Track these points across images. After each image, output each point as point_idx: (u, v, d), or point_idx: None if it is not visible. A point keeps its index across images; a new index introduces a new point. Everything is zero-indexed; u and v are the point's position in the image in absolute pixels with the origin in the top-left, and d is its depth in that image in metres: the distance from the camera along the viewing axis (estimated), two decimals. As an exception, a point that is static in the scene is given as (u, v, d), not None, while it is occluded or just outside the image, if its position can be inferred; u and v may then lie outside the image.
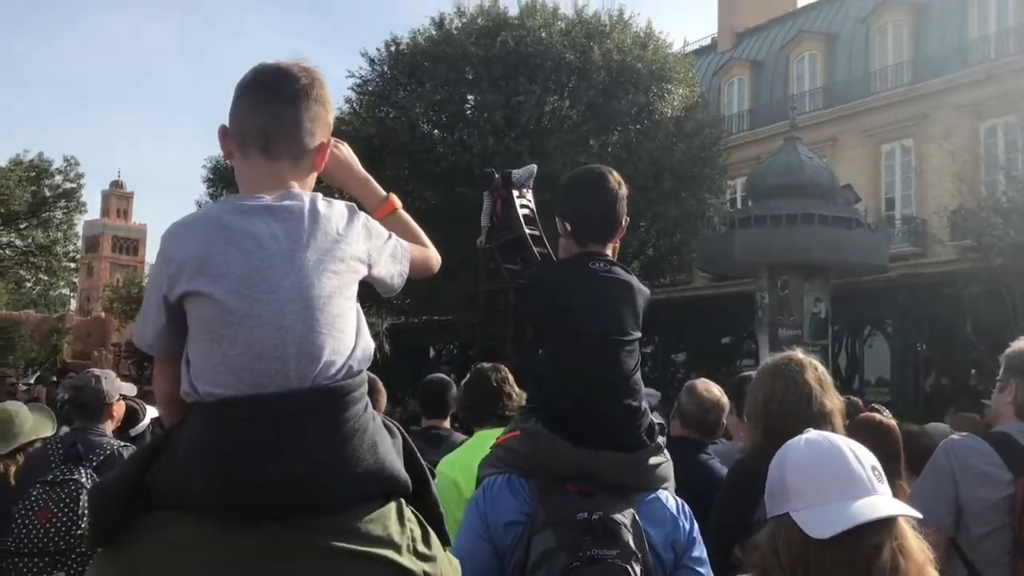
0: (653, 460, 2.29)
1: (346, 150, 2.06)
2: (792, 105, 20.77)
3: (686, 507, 2.34)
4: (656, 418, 2.40)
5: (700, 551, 2.30)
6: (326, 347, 1.65)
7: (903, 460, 3.46)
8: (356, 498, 1.62)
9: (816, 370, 2.82)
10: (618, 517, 2.14)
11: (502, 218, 13.34)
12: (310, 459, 1.57)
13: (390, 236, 1.91)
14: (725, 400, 3.97)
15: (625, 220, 2.48)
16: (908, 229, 23.46)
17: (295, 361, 1.62)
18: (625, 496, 2.23)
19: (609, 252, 2.46)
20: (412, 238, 2.04)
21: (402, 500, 1.71)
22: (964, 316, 18.62)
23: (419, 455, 1.79)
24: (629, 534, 2.13)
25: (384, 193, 2.10)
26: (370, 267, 1.81)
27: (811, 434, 1.69)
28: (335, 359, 1.66)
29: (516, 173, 13.59)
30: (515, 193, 13.32)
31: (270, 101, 1.80)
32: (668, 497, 2.32)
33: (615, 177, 2.47)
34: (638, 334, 2.39)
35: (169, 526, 1.59)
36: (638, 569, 2.10)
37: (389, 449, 1.70)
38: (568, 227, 2.47)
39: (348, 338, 1.71)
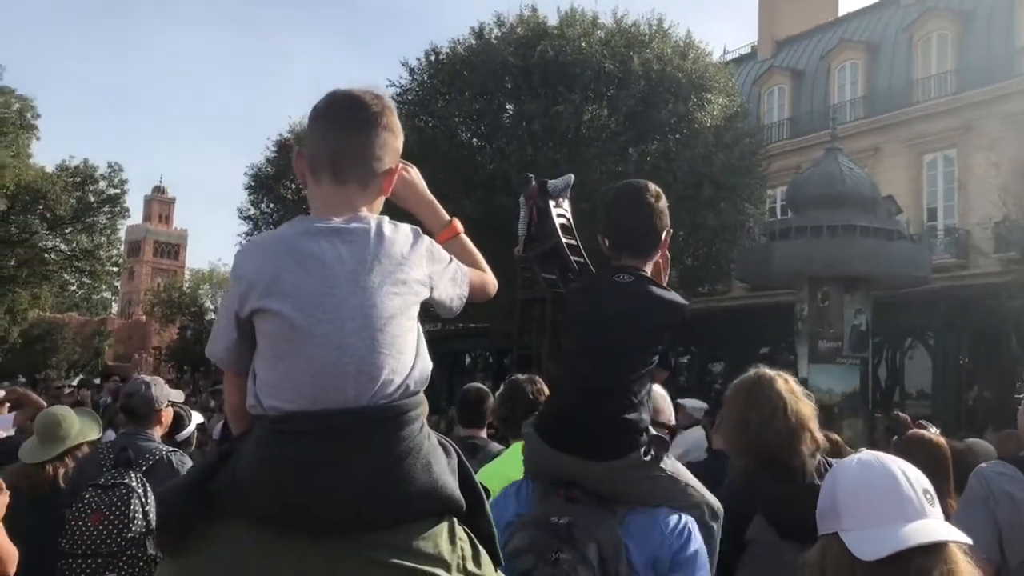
0: (638, 473, 2.25)
1: (414, 173, 2.12)
2: (833, 115, 20.52)
3: (688, 528, 2.25)
4: (655, 431, 2.35)
5: (686, 574, 2.20)
6: (385, 367, 1.70)
7: (952, 478, 3.43)
8: (409, 516, 1.66)
9: (787, 382, 2.85)
10: (591, 526, 2.14)
11: (539, 227, 13.37)
12: (365, 475, 1.62)
13: (451, 260, 1.96)
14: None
15: (666, 233, 2.46)
16: (950, 240, 23.13)
17: (353, 379, 1.67)
18: (612, 507, 2.23)
19: (648, 268, 2.44)
20: (472, 262, 2.10)
21: (454, 519, 1.74)
22: (1008, 329, 18.32)
23: (473, 474, 1.82)
24: (592, 544, 2.12)
25: (448, 217, 2.16)
26: (431, 289, 1.86)
27: (864, 454, 1.69)
28: (393, 378, 1.70)
29: (553, 183, 13.61)
30: (552, 203, 13.34)
31: (340, 128, 1.87)
32: (667, 515, 2.25)
33: (652, 190, 2.46)
34: (654, 348, 2.35)
35: (232, 534, 1.64)
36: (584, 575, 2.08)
37: (443, 469, 1.73)
38: (606, 241, 2.49)
39: (407, 358, 1.75)
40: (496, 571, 1.80)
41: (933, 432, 3.96)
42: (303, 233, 1.78)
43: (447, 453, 1.78)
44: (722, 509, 2.41)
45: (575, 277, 12.01)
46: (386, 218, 1.85)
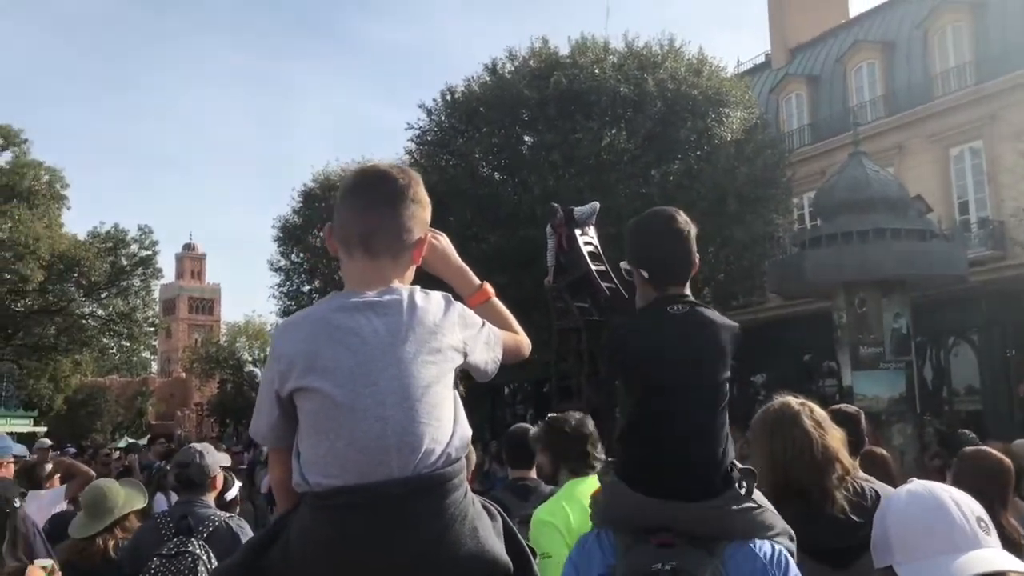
0: (736, 507, 2.24)
1: (444, 241, 2.16)
2: (855, 120, 20.42)
3: (784, 556, 2.25)
4: (741, 464, 2.37)
5: None
6: (425, 436, 1.73)
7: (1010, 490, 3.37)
8: None
9: (812, 412, 2.84)
10: (694, 568, 2.13)
11: (568, 256, 13.42)
12: (413, 545, 1.65)
13: (484, 324, 1.99)
14: None
15: (697, 258, 2.48)
16: (985, 233, 22.83)
17: (396, 451, 1.70)
18: (709, 546, 2.20)
19: (688, 291, 2.46)
20: (504, 325, 2.12)
21: None
22: (1052, 319, 18.04)
23: (519, 536, 1.85)
24: None
25: (478, 282, 2.18)
26: (466, 355, 1.89)
27: (914, 485, 1.67)
28: (434, 447, 1.73)
29: (579, 210, 13.68)
30: (578, 231, 13.40)
31: (370, 203, 1.92)
32: (766, 548, 2.24)
33: (683, 217, 2.48)
34: (726, 374, 2.37)
35: None
36: None
37: (489, 533, 1.76)
38: (644, 274, 2.47)
39: (446, 426, 1.78)
40: None
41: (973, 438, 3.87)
42: (338, 309, 1.82)
43: (491, 516, 1.81)
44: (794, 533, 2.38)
45: (620, 311, 11.97)
46: (417, 288, 1.89)
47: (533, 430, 4.34)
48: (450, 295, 1.96)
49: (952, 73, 24.69)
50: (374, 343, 1.76)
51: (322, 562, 1.65)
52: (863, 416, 3.81)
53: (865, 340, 15.54)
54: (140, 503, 4.85)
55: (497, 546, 1.75)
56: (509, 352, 2.06)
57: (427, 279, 1.99)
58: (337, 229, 1.95)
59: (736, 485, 2.28)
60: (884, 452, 4.71)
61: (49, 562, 3.68)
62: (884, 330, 15.58)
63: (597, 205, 13.64)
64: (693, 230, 2.48)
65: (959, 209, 23.96)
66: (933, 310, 18.66)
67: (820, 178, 23.03)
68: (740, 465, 2.35)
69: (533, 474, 4.51)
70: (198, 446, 4.70)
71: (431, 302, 1.87)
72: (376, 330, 1.77)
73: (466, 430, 1.83)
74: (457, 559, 1.67)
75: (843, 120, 24.95)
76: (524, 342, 2.17)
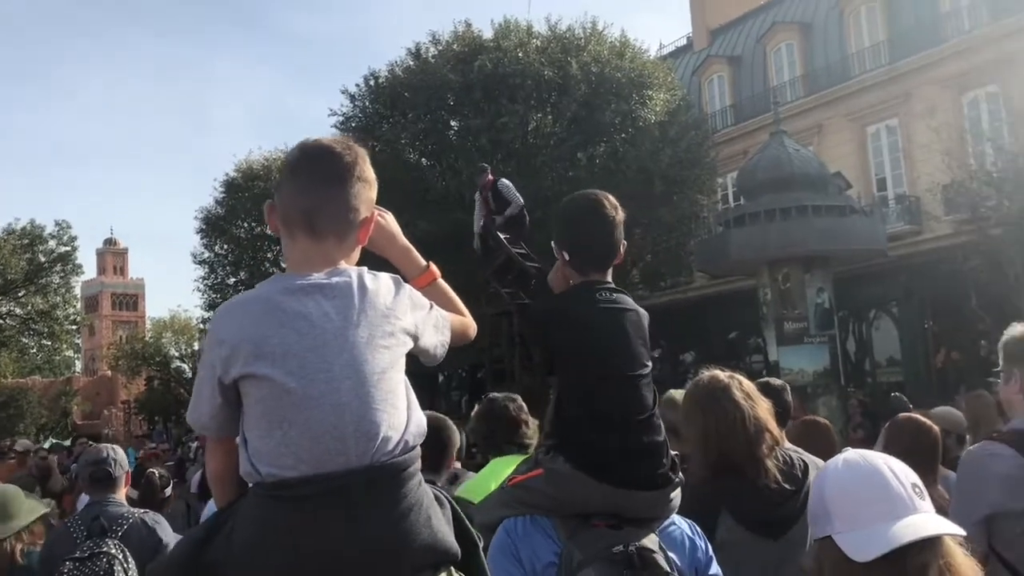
0: (675, 492, 2.31)
1: (390, 220, 2.08)
2: (774, 99, 20.76)
3: (696, 527, 2.37)
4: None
5: (716, 568, 2.32)
6: (383, 423, 1.67)
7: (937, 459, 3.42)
8: (411, 571, 1.65)
9: (741, 384, 2.87)
10: (650, 545, 2.17)
11: (491, 234, 13.45)
12: (370, 535, 1.61)
13: (432, 306, 1.93)
14: None
15: (623, 245, 2.46)
16: (902, 208, 23.48)
17: (354, 439, 1.64)
18: (648, 525, 2.25)
19: (609, 278, 2.45)
20: (451, 307, 2.06)
21: (451, 568, 1.73)
22: (967, 289, 18.63)
23: (467, 522, 1.82)
24: (663, 560, 2.15)
25: (424, 262, 2.11)
26: (416, 339, 1.83)
27: (849, 454, 1.67)
28: (392, 435, 1.68)
29: (504, 183, 13.71)
30: (496, 220, 13.45)
31: (315, 181, 1.82)
32: (681, 521, 2.34)
33: (611, 202, 2.45)
34: (651, 364, 2.39)
35: None
36: None
37: (441, 521, 1.73)
38: (567, 256, 2.45)
39: (402, 413, 1.73)
40: None
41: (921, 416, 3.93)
42: (284, 292, 1.72)
43: (441, 504, 1.77)
44: None
45: (526, 283, 12.03)
46: (365, 269, 1.81)
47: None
48: (399, 277, 1.88)
49: (868, 53, 25.29)
50: (325, 327, 1.68)
51: (274, 554, 1.58)
52: (788, 388, 3.85)
53: (789, 316, 15.89)
54: (42, 509, 4.70)
55: (449, 535, 1.72)
56: (457, 335, 2.01)
57: (371, 259, 1.91)
58: (279, 208, 1.86)
59: (680, 472, 2.34)
60: (826, 421, 4.79)
61: None
62: (807, 305, 15.94)
63: (521, 202, 13.60)
64: (621, 216, 2.45)
65: (877, 185, 24.61)
66: (854, 285, 19.15)
67: (743, 158, 23.38)
68: (673, 452, 2.37)
69: (456, 464, 4.49)
70: (104, 445, 4.62)
71: (381, 284, 1.79)
72: (326, 314, 1.69)
73: (421, 417, 1.78)
74: (413, 548, 1.63)
75: (764, 101, 25.38)
76: (471, 324, 2.12)
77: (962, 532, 1.55)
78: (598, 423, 2.27)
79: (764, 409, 2.85)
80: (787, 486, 2.76)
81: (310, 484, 1.60)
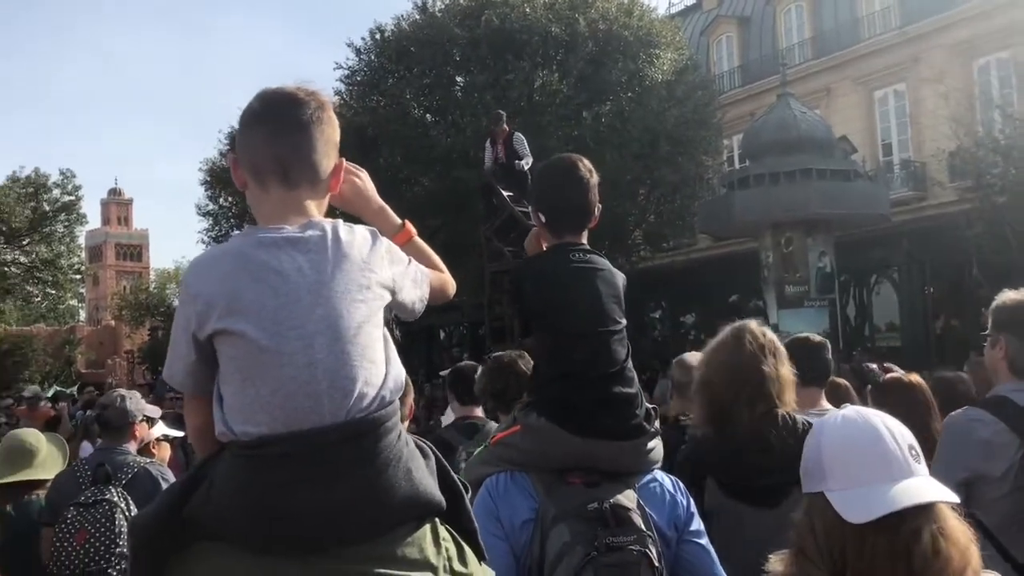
0: (650, 444, 2.33)
1: (366, 178, 2.06)
2: (782, 61, 20.59)
3: (679, 483, 2.39)
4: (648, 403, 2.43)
5: (698, 524, 2.35)
6: (358, 379, 1.65)
7: (936, 415, 3.36)
8: (389, 525, 1.64)
9: (758, 338, 2.81)
10: (625, 503, 2.19)
11: (502, 172, 13.49)
12: (347, 493, 1.59)
13: (410, 261, 1.91)
14: None
15: (598, 208, 2.49)
16: (907, 174, 23.37)
17: (328, 396, 1.62)
18: (625, 481, 2.27)
19: (584, 240, 2.49)
20: (429, 264, 2.04)
21: (436, 520, 1.73)
22: (968, 257, 18.61)
23: (452, 472, 1.81)
24: (639, 518, 2.18)
25: (399, 221, 2.09)
26: (394, 293, 1.81)
27: (848, 410, 1.64)
28: (367, 391, 1.66)
29: (520, 136, 13.71)
30: (518, 164, 13.45)
31: (282, 129, 1.79)
32: (663, 477, 2.37)
33: (585, 165, 2.49)
34: (624, 321, 2.42)
35: (211, 558, 1.62)
36: (654, 551, 2.15)
37: (423, 473, 1.71)
38: (543, 218, 2.50)
39: (379, 368, 1.70)
40: (481, 565, 1.79)
41: (907, 375, 3.86)
42: (257, 245, 1.69)
43: (424, 455, 1.75)
44: None
45: (522, 259, 12.05)
46: (340, 221, 1.78)
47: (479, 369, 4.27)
48: (376, 230, 1.85)
49: (878, 16, 25.00)
50: (298, 282, 1.65)
51: (250, 512, 1.57)
52: (828, 346, 3.71)
53: (791, 279, 15.91)
54: (60, 467, 4.72)
55: (432, 485, 1.71)
56: (435, 292, 1.99)
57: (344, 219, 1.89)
58: (245, 158, 1.82)
59: (656, 423, 2.36)
60: (846, 382, 4.70)
61: None
62: (809, 269, 15.96)
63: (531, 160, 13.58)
64: (595, 179, 2.48)
65: (883, 150, 24.47)
66: (856, 249, 19.12)
67: (749, 120, 23.23)
68: (650, 404, 2.41)
69: (479, 412, 4.43)
70: (123, 391, 4.59)
71: (356, 236, 1.75)
72: (300, 268, 1.66)
73: (400, 371, 1.75)
74: (392, 503, 1.62)
75: (772, 63, 25.11)
76: (449, 281, 2.10)
77: (956, 499, 1.53)
78: (570, 379, 2.31)
79: (782, 367, 2.78)
80: (789, 450, 2.73)
81: (283, 442, 1.58)
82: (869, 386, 4.07)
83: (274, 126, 1.79)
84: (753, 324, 2.87)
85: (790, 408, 2.80)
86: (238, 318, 1.63)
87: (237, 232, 1.83)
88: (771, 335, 2.87)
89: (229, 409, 1.66)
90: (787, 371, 2.82)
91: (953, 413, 2.99)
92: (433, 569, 1.66)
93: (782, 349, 2.86)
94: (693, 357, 3.95)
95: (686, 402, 3.82)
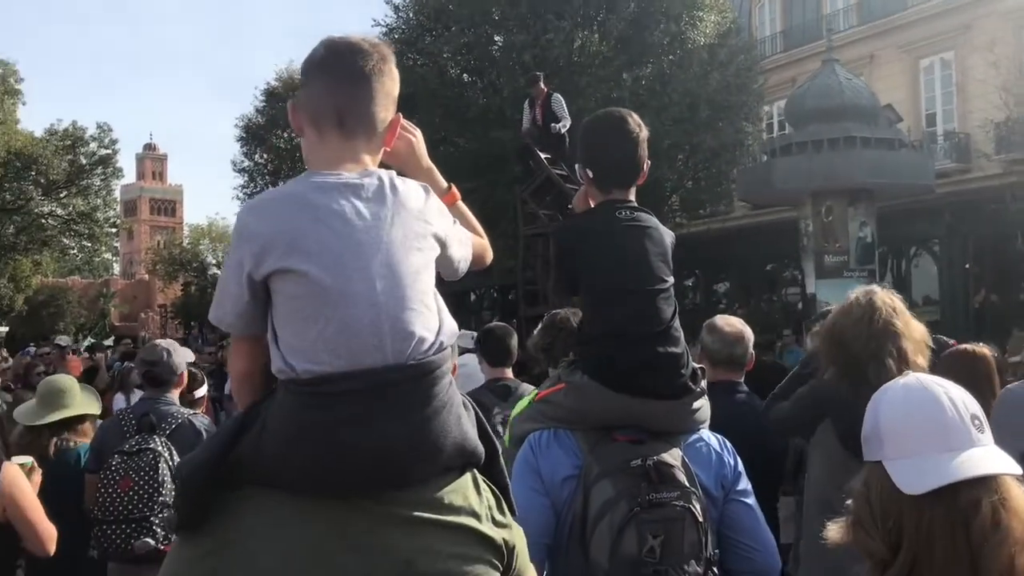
0: (696, 404, 2.33)
1: (420, 138, 2.07)
2: (828, 26, 20.19)
3: (727, 443, 2.40)
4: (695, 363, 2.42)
5: (745, 483, 2.36)
6: (417, 323, 1.67)
7: (997, 388, 3.39)
8: (438, 470, 1.66)
9: (893, 302, 2.92)
10: (670, 460, 2.19)
11: (539, 134, 13.46)
12: (404, 433, 1.61)
13: (455, 221, 1.92)
14: (749, 331, 3.88)
15: (646, 164, 2.46)
16: (951, 145, 22.91)
17: (390, 337, 1.64)
18: (670, 440, 2.27)
19: (632, 197, 2.45)
20: (470, 229, 2.05)
21: (475, 471, 1.75)
22: (1012, 231, 18.27)
23: (488, 428, 1.83)
24: (683, 475, 2.18)
25: (446, 184, 2.10)
26: (444, 247, 1.83)
27: (909, 378, 1.57)
28: (427, 335, 1.68)
29: (558, 97, 13.65)
30: (555, 127, 13.39)
31: (343, 78, 1.81)
32: (710, 436, 2.38)
33: (635, 120, 2.44)
34: (671, 279, 2.39)
35: (259, 502, 1.62)
36: (698, 507, 2.15)
37: (469, 422, 1.73)
38: (590, 174, 2.46)
39: (434, 314, 1.73)
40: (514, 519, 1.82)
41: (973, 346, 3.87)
42: (316, 189, 1.71)
43: (466, 408, 1.78)
44: None
45: (568, 217, 12.00)
46: (394, 172, 1.81)
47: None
48: (427, 184, 1.87)
49: (926, -18, 24.40)
50: (359, 226, 1.67)
51: (313, 448, 1.58)
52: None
53: (830, 249, 15.70)
54: (95, 409, 4.79)
55: (475, 436, 1.74)
56: (476, 255, 2.01)
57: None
58: (305, 105, 1.84)
59: (702, 383, 2.36)
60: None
61: (29, 459, 3.61)
62: (849, 239, 15.72)
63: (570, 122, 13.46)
64: (644, 133, 2.44)
65: (927, 120, 24.00)
66: (897, 220, 18.80)
67: (791, 87, 22.84)
68: (697, 365, 2.40)
69: (510, 373, 4.49)
70: (164, 343, 4.62)
71: (410, 188, 1.78)
72: (359, 212, 1.68)
73: (452, 321, 1.78)
74: (443, 445, 1.64)
75: (816, 28, 24.68)
76: (488, 248, 2.12)
77: (1019, 470, 1.45)
78: (616, 337, 2.29)
79: (911, 328, 2.89)
80: None
81: (350, 379, 1.60)
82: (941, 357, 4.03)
83: (335, 74, 1.81)
84: (881, 289, 3.01)
85: (920, 371, 2.82)
86: (301, 258, 1.64)
87: (293, 179, 1.83)
88: (899, 298, 3.02)
89: (288, 348, 1.66)
90: (920, 333, 2.92)
91: (1011, 385, 2.96)
92: (476, 516, 1.69)
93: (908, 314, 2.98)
94: (724, 320, 3.94)
95: (715, 369, 3.79)
